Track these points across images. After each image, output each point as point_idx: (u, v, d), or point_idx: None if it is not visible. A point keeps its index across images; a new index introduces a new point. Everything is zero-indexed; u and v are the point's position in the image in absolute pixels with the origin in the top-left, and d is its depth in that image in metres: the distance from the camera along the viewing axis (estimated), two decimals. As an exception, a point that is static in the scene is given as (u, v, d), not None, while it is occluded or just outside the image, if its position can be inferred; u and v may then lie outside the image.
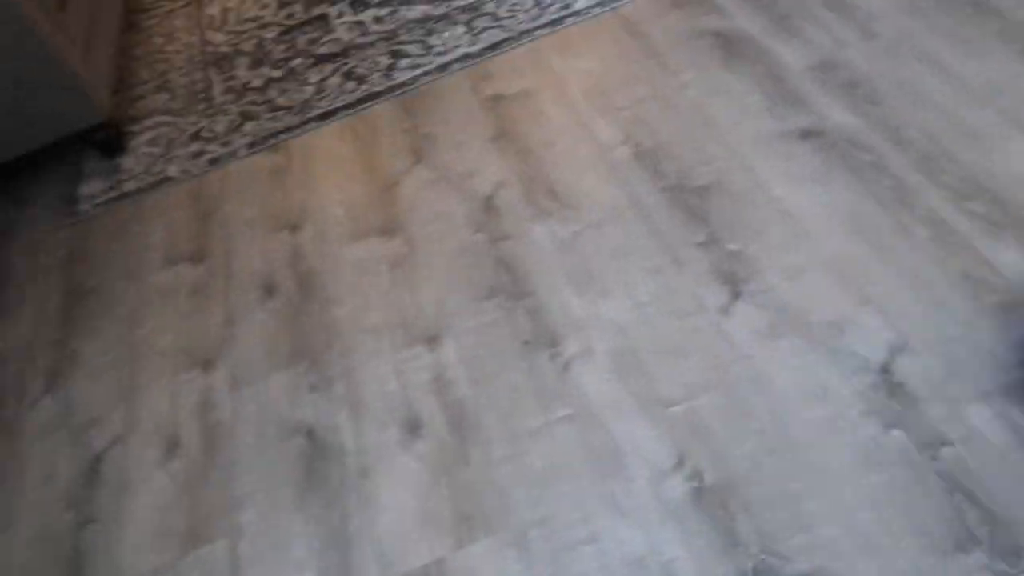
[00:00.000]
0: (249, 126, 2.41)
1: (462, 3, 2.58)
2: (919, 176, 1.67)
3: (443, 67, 2.38)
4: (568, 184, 1.92)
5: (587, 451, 1.47)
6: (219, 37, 2.83)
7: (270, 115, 2.43)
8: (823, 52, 1.99)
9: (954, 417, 1.34)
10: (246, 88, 2.56)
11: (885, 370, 1.42)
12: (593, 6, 2.39)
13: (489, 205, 1.94)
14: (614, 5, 2.36)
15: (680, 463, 1.41)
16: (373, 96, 2.37)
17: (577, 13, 2.39)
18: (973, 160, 1.66)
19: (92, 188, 2.39)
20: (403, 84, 2.38)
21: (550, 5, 2.45)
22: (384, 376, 1.69)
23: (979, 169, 1.64)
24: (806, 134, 1.83)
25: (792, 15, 2.10)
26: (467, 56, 2.38)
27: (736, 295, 1.60)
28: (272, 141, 2.34)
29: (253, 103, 2.49)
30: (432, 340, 1.72)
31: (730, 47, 2.10)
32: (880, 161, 1.72)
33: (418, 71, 2.40)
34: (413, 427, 1.59)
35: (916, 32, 1.95)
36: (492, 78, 2.29)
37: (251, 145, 2.35)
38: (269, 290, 1.94)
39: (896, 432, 1.35)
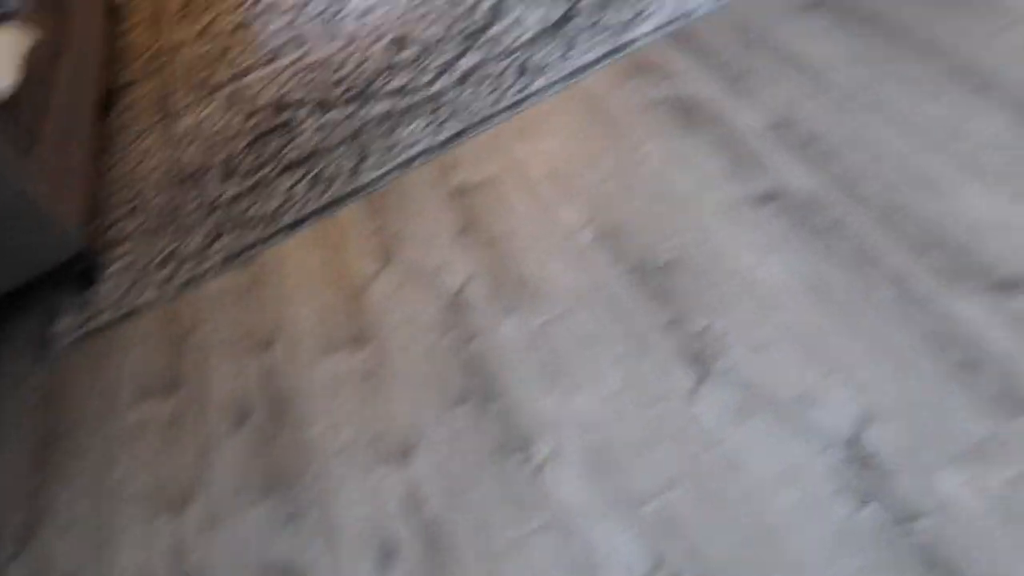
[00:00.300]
0: (220, 243, 2.41)
1: (424, 94, 2.58)
2: (879, 233, 1.63)
3: (408, 162, 2.38)
4: (534, 273, 1.90)
5: (564, 561, 1.42)
6: (190, 152, 2.84)
7: (241, 229, 2.43)
8: (779, 110, 1.96)
9: (926, 486, 1.29)
10: (217, 203, 2.57)
11: (855, 442, 1.37)
12: (552, 84, 2.38)
13: (457, 302, 1.92)
14: (570, 82, 2.36)
15: (657, 566, 1.36)
16: (341, 199, 2.37)
17: (535, 93, 2.38)
18: (931, 210, 1.62)
19: (66, 324, 2.39)
20: (369, 183, 2.38)
21: (509, 88, 2.44)
22: (358, 499, 1.66)
23: (938, 219, 1.60)
24: (766, 198, 1.80)
25: (747, 74, 2.08)
26: (430, 149, 2.38)
27: (704, 376, 1.56)
28: (244, 256, 2.34)
29: (225, 218, 2.49)
30: (404, 454, 1.69)
31: (688, 113, 2.08)
32: (840, 220, 1.68)
33: (384, 169, 2.40)
34: (389, 553, 1.55)
35: (868, 80, 1.92)
36: (456, 168, 2.28)
37: (223, 262, 2.35)
38: (242, 416, 1.91)
39: (870, 508, 1.30)
